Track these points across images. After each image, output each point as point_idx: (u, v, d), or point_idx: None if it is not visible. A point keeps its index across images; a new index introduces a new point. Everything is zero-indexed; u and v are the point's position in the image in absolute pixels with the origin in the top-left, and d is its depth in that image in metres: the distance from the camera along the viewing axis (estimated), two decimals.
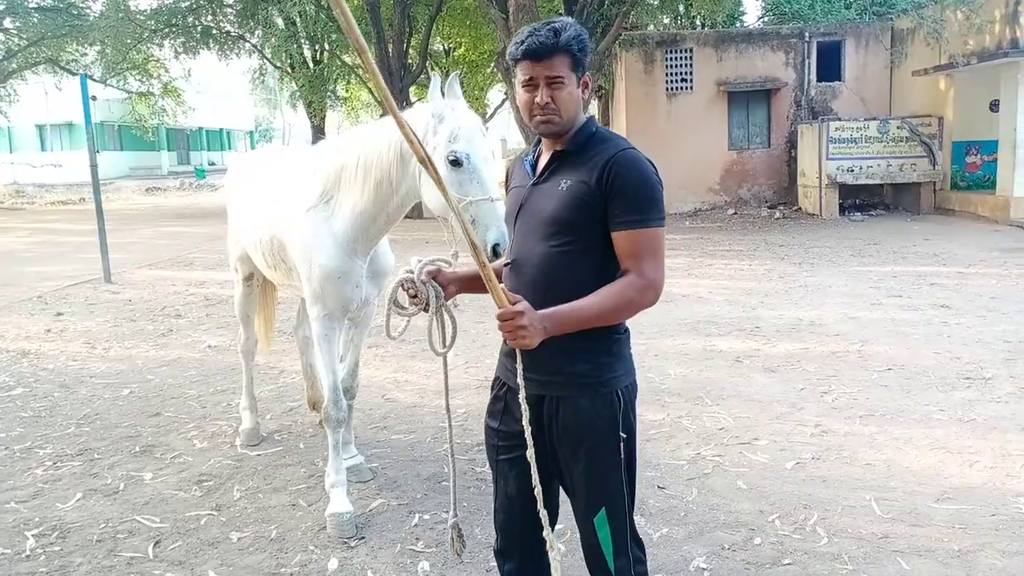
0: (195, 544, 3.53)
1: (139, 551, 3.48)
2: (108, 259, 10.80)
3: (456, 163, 2.86)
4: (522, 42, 2.10)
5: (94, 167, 11.14)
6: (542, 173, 2.23)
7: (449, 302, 2.30)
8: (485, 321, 7.34)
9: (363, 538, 3.55)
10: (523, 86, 2.15)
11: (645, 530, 3.51)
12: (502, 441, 2.32)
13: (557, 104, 2.12)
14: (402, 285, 2.23)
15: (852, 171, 16.10)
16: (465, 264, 2.41)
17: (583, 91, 2.17)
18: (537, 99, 2.13)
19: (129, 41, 20.34)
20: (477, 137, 2.89)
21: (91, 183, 11.42)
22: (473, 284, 2.33)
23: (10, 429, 5.05)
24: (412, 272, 2.23)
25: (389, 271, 3.92)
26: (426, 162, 1.94)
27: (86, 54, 25.52)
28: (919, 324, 7.15)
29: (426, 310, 2.24)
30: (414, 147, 1.90)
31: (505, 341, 2.17)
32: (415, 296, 2.23)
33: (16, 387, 5.97)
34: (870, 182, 16.33)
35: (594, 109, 24.23)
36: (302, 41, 21.04)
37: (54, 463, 4.50)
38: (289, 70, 22.55)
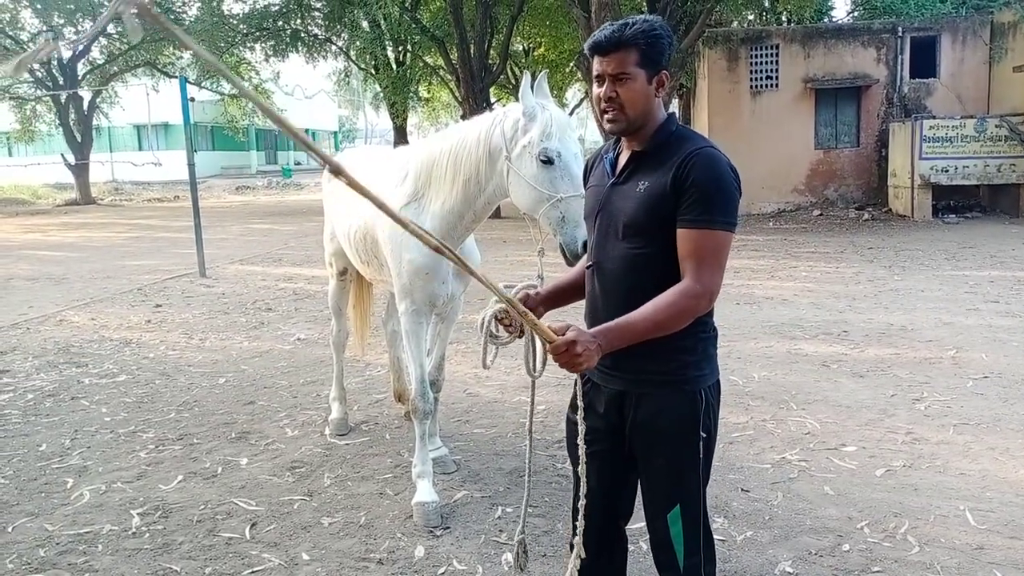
0: (289, 527, 3.68)
1: (236, 532, 3.65)
2: (203, 254, 11.29)
3: (548, 160, 2.91)
4: (593, 36, 2.11)
5: (191, 166, 11.63)
6: (621, 173, 2.19)
7: None
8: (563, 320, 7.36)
9: (448, 528, 3.63)
10: (594, 80, 2.14)
11: (728, 532, 3.50)
12: (584, 435, 2.32)
13: (622, 99, 2.07)
14: (496, 316, 2.29)
15: (947, 171, 15.47)
16: (547, 269, 2.46)
17: (658, 89, 2.10)
18: (600, 92, 2.11)
19: (222, 44, 21.12)
20: (568, 134, 2.94)
21: (187, 181, 11.93)
22: (557, 300, 2.39)
23: (115, 414, 5.35)
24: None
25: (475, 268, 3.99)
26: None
27: (181, 57, 26.68)
28: (1018, 331, 6.85)
29: (521, 335, 2.27)
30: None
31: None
32: (509, 324, 2.29)
33: (120, 374, 6.31)
34: (966, 183, 15.67)
35: (675, 107, 23.93)
36: (386, 43, 21.47)
37: (156, 447, 4.74)
38: (373, 72, 23.10)
